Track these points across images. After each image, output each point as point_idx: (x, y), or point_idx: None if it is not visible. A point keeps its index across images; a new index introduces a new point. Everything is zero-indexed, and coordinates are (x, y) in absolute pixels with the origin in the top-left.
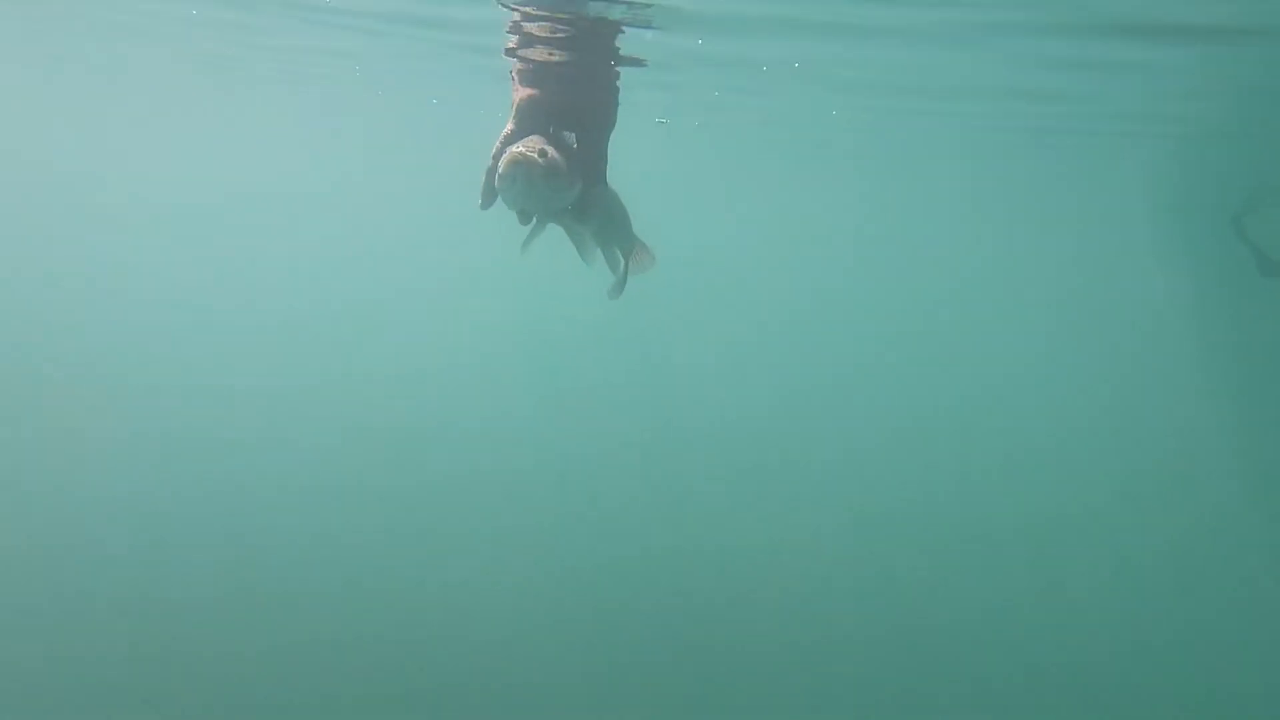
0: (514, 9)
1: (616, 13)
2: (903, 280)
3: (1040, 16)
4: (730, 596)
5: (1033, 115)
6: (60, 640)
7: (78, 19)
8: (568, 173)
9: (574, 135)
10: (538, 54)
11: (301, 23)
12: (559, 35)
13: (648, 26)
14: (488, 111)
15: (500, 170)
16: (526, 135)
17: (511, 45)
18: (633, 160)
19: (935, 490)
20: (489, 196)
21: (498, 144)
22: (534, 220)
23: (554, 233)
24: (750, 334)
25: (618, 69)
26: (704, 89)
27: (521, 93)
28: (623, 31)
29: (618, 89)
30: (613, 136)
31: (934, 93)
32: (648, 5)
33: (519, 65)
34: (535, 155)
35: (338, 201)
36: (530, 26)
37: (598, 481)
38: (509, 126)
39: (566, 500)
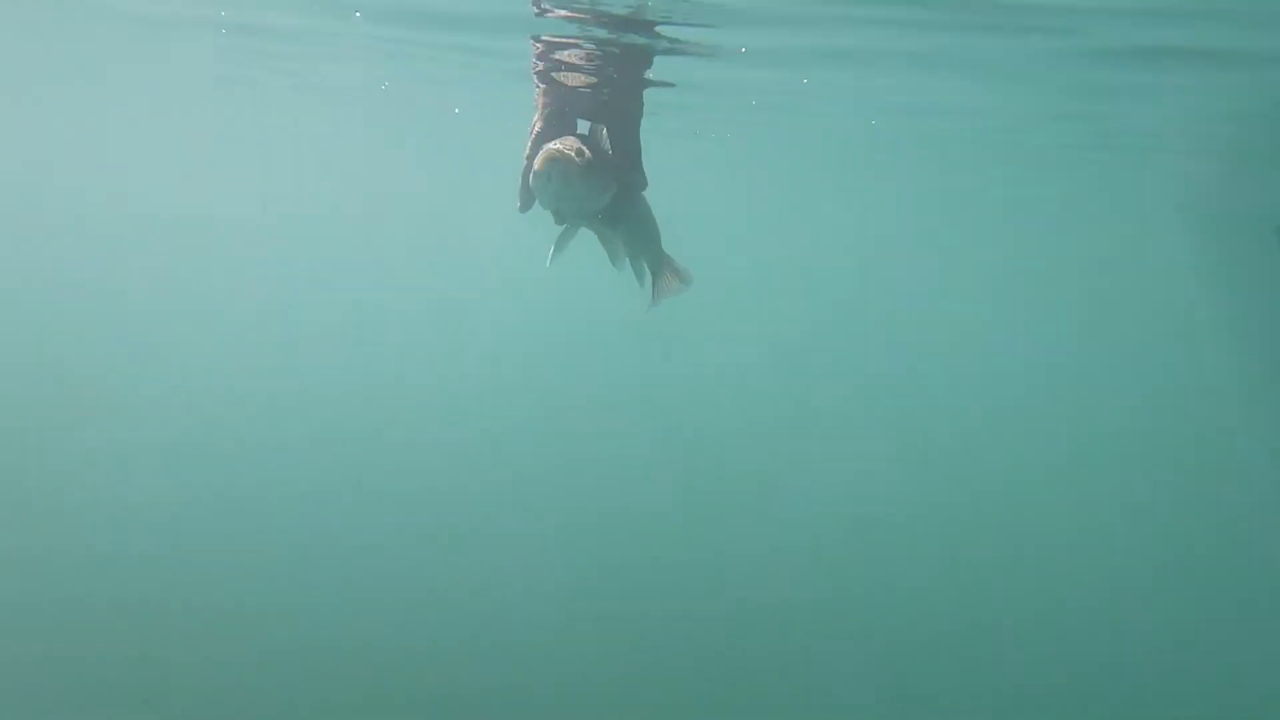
0: (547, 40)
1: (645, 40)
2: (927, 288)
3: (1082, 43)
4: (749, 605)
5: (1072, 133)
6: (60, 640)
7: (99, 40)
8: (604, 173)
9: (604, 131)
10: (572, 79)
11: (328, 47)
12: (592, 63)
13: (682, 54)
14: (513, 120)
15: (536, 167)
16: (556, 133)
17: (540, 69)
18: (658, 168)
19: (969, 498)
20: (526, 199)
21: (528, 144)
22: (566, 223)
23: (583, 238)
24: (776, 342)
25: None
26: (736, 108)
27: (546, 97)
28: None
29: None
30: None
31: (971, 114)
32: (680, 41)
33: (543, 83)
34: (573, 154)
35: (357, 209)
36: (562, 55)
37: (614, 489)
38: (537, 125)
39: (584, 508)
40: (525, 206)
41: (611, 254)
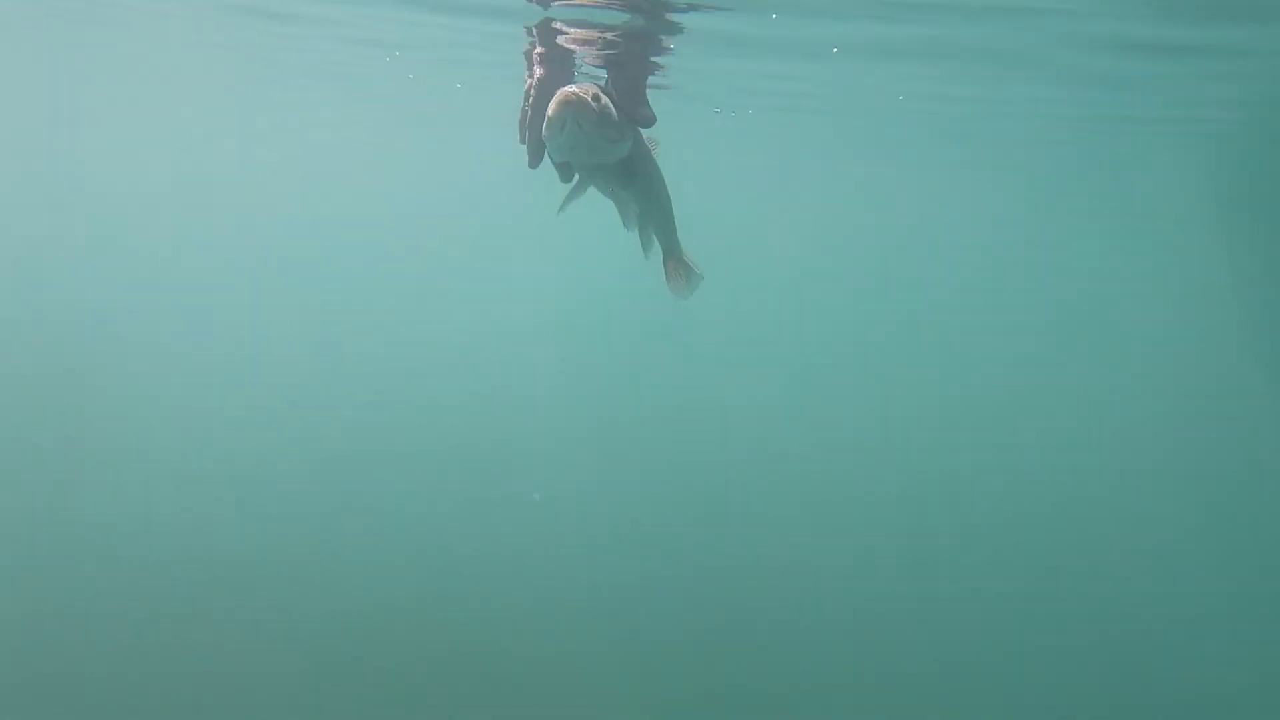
0: (543, 27)
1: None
2: (958, 275)
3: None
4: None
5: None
6: (64, 647)
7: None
8: (619, 124)
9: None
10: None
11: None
12: (606, 53)
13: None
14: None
15: (550, 111)
16: (558, 79)
17: (540, 52)
18: (679, 151)
19: (1021, 501)
20: (536, 153)
21: (527, 97)
22: (575, 179)
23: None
24: (803, 335)
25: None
26: (755, 93)
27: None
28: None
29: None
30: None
31: (996, 104)
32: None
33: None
34: (589, 99)
35: (377, 199)
36: (563, 40)
37: (635, 505)
38: (539, 71)
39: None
40: (535, 162)
41: (624, 215)
